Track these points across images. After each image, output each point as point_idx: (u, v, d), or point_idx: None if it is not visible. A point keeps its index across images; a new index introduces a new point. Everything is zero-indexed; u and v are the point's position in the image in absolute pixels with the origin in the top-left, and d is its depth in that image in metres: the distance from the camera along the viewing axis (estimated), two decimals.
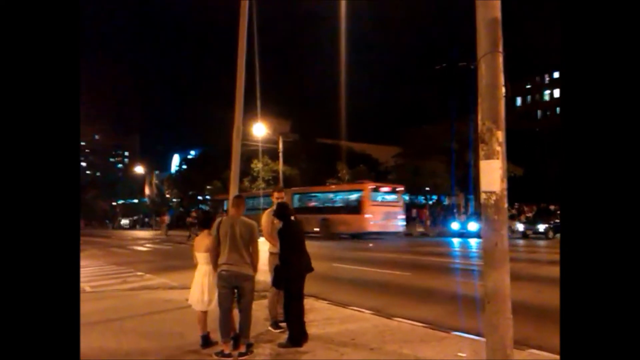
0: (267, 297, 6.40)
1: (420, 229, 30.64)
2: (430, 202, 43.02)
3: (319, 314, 7.09)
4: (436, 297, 8.82)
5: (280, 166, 37.27)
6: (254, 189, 38.80)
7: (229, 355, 5.01)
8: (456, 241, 22.62)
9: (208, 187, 50.37)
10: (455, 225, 27.09)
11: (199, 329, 5.45)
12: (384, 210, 25.88)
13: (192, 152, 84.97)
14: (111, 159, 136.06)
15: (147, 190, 75.82)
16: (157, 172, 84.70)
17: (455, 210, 33.44)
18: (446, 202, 44.31)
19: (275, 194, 6.57)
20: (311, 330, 5.76)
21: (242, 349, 5.09)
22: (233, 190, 7.93)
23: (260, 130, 36.01)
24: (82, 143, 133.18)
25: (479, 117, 3.87)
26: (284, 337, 5.56)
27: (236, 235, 5.10)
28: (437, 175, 36.95)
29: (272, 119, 39.33)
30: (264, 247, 6.00)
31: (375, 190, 26.34)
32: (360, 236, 25.25)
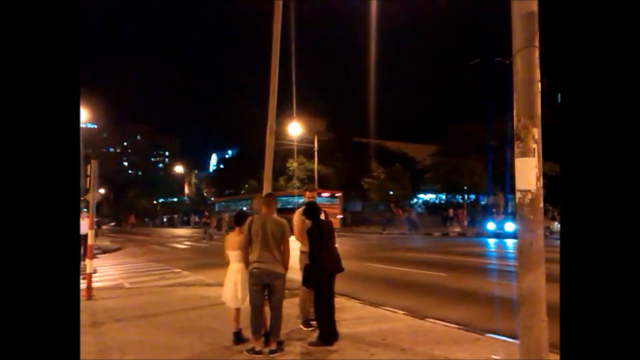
0: (298, 295, 6.43)
1: (458, 229, 30.10)
2: (468, 202, 42.18)
3: (351, 313, 7.07)
4: (471, 298, 8.63)
5: (315, 165, 37.39)
6: (289, 188, 39.09)
7: (260, 352, 5.06)
8: (493, 242, 22.09)
9: (245, 186, 51.08)
10: (491, 226, 26.46)
11: (232, 326, 5.53)
12: (325, 210, 27.44)
13: (230, 152, 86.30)
14: (152, 159, 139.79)
15: (186, 189, 77.66)
16: (196, 171, 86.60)
17: (493, 210, 32.65)
18: (485, 201, 43.37)
19: (307, 194, 6.59)
20: (342, 329, 5.75)
21: (273, 346, 5.12)
22: (266, 189, 8.01)
23: (295, 129, 36.19)
24: (125, 143, 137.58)
25: (515, 113, 3.77)
26: (315, 335, 5.57)
27: (267, 233, 5.14)
28: (476, 174, 36.20)
29: (307, 118, 39.47)
30: (295, 246, 6.02)
31: (317, 195, 27.59)
32: None
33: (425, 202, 48.12)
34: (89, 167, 9.68)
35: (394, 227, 33.14)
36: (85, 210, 15.04)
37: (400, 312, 7.24)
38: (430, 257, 15.50)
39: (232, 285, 5.49)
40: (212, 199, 58.89)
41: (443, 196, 46.97)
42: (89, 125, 33.18)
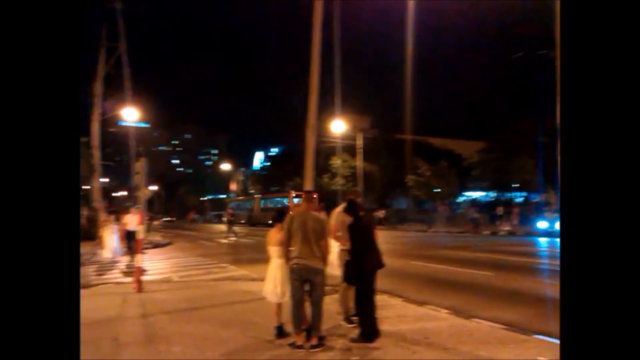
0: (339, 291, 6.45)
1: (507, 228, 29.21)
2: (518, 200, 40.84)
3: (393, 310, 7.02)
4: (518, 298, 8.37)
5: (359, 163, 37.28)
6: (333, 185, 39.18)
7: (301, 347, 5.12)
8: (544, 241, 21.30)
9: (290, 183, 51.61)
10: (542, 224, 25.49)
11: (274, 320, 5.63)
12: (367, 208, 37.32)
13: (275, 149, 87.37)
14: (201, 157, 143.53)
15: (233, 186, 79.32)
16: (242, 169, 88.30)
17: (544, 208, 31.45)
18: (536, 199, 41.86)
19: (350, 196, 6.65)
20: (383, 326, 5.72)
21: (314, 342, 5.17)
22: (307, 186, 8.07)
23: (339, 126, 36.21)
24: (175, 142, 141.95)
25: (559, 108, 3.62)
26: (356, 332, 5.57)
27: (308, 229, 5.19)
28: (526, 171, 34.98)
29: (351, 116, 39.39)
30: (336, 242, 6.05)
31: (297, 196, 37.59)
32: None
33: (473, 200, 46.99)
34: (138, 164, 10.06)
35: (439, 224, 32.57)
36: (136, 206, 15.68)
37: (444, 311, 7.12)
38: (476, 256, 15.14)
39: (272, 280, 5.58)
40: (227, 198, 61.01)
41: (492, 194, 45.69)
42: (141, 125, 34.38)
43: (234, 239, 25.76)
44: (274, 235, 5.62)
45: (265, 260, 5.86)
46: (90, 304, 8.12)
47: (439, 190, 40.55)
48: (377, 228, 6.05)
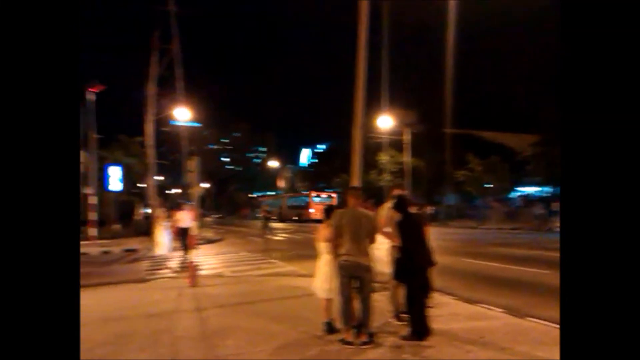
0: (389, 288, 6.40)
1: None
2: None
3: (444, 309, 6.89)
4: None
5: (406, 158, 36.79)
6: (380, 181, 38.89)
7: (351, 343, 5.12)
8: None
9: (336, 179, 51.68)
10: None
11: (323, 316, 5.66)
12: (322, 207, 40.19)
13: (322, 146, 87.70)
14: (249, 155, 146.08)
15: (280, 183, 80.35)
16: (289, 165, 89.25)
17: None
18: None
19: (395, 190, 6.57)
20: (435, 325, 5.63)
21: (364, 338, 5.16)
22: (355, 183, 8.05)
23: (386, 122, 35.89)
24: (226, 140, 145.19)
25: None
26: (407, 329, 5.51)
27: (356, 226, 5.18)
28: None
29: (398, 111, 38.90)
30: (385, 239, 6.00)
31: (317, 196, 48.04)
32: (307, 221, 42.42)
33: (526, 196, 45.32)
34: (191, 162, 10.37)
35: (492, 221, 31.67)
36: (188, 203, 16.17)
37: (498, 309, 6.92)
38: (530, 253, 14.62)
39: (322, 276, 5.61)
40: (260, 197, 64.29)
41: (547, 189, 43.90)
42: (193, 124, 35.40)
43: (270, 236, 26.07)
44: (323, 231, 5.64)
45: (312, 256, 5.90)
46: (146, 298, 8.48)
47: (491, 185, 39.37)
48: (429, 225, 5.95)
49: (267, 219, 27.85)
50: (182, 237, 13.72)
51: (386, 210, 6.16)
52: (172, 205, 18.61)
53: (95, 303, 8.02)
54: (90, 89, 22.59)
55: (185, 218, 13.90)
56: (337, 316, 5.47)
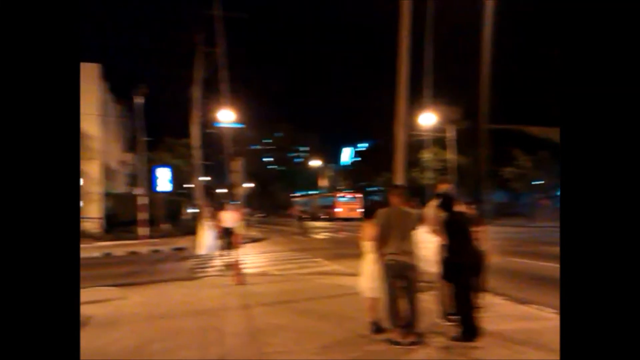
0: (437, 288, 6.28)
1: None
2: None
3: (494, 309, 6.70)
4: None
5: (450, 155, 36.09)
6: (423, 179, 38.32)
7: (399, 343, 5.07)
8: None
9: (378, 178, 51.33)
10: None
11: (369, 315, 5.62)
12: (347, 205, 48.95)
13: (363, 144, 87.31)
14: (291, 154, 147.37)
15: (322, 182, 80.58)
16: (331, 164, 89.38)
17: None
18: None
19: (441, 186, 6.44)
20: (484, 325, 5.48)
21: (412, 338, 5.10)
22: (398, 181, 7.96)
23: (428, 119, 35.34)
24: (268, 140, 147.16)
25: None
26: (455, 330, 5.40)
27: (400, 224, 5.12)
28: None
29: (442, 107, 38.18)
30: (432, 238, 5.90)
31: (342, 196, 52.45)
32: (334, 219, 46.45)
33: None
34: (236, 163, 10.57)
35: (541, 219, 30.60)
36: (233, 202, 16.45)
37: (549, 310, 6.68)
38: None
39: (367, 275, 5.57)
40: (292, 196, 67.46)
41: None
42: (237, 125, 36.12)
43: (305, 234, 26.09)
44: (368, 230, 5.61)
45: (356, 255, 5.87)
46: (194, 296, 8.69)
47: (542, 182, 38.00)
48: (482, 224, 5.78)
49: (301, 219, 27.98)
50: (226, 236, 13.92)
51: (432, 208, 6.05)
52: (217, 205, 18.96)
53: (146, 300, 8.30)
54: (138, 94, 23.41)
55: (229, 218, 14.07)
56: (383, 316, 5.42)
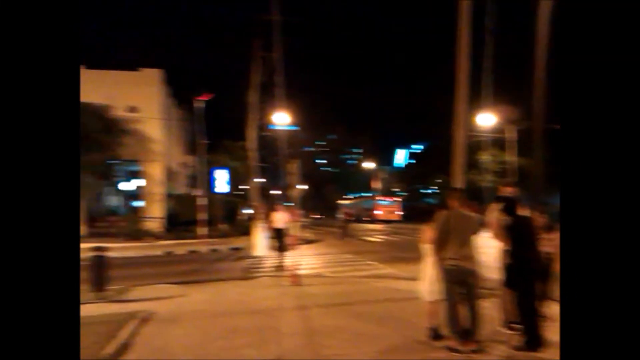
0: (499, 295, 6.08)
1: None
2: None
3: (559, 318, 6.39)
4: None
5: (511, 157, 34.81)
6: (482, 181, 37.19)
7: (458, 351, 4.94)
8: None
9: (435, 180, 50.38)
10: None
11: (428, 321, 5.51)
12: (387, 208, 52.31)
13: (418, 146, 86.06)
14: (344, 156, 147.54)
15: (375, 185, 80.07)
16: (385, 167, 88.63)
17: None
18: None
19: (504, 189, 6.22)
20: (549, 335, 5.24)
21: (473, 346, 4.95)
22: (457, 184, 7.77)
23: (487, 119, 34.29)
24: (322, 142, 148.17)
25: None
26: (518, 339, 5.20)
27: (460, 228, 4.99)
28: None
29: (502, 107, 36.91)
30: (493, 243, 5.72)
31: (382, 199, 55.62)
32: (374, 222, 48.15)
33: None
34: (292, 165, 10.72)
35: None
36: (286, 204, 16.62)
37: None
38: None
39: (427, 279, 5.47)
40: (340, 200, 69.12)
41: None
42: (291, 128, 36.55)
43: (347, 237, 25.82)
44: (428, 233, 5.51)
45: (412, 259, 5.79)
46: (251, 295, 8.87)
47: None
48: (553, 230, 5.54)
49: (347, 221, 27.85)
50: (278, 238, 13.94)
51: (494, 212, 5.86)
52: (269, 206, 19.20)
53: (206, 298, 8.57)
54: (199, 98, 24.24)
55: (281, 219, 14.05)
56: (443, 322, 5.31)
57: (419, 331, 5.64)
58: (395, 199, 56.97)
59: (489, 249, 5.58)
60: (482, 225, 5.41)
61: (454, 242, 5.06)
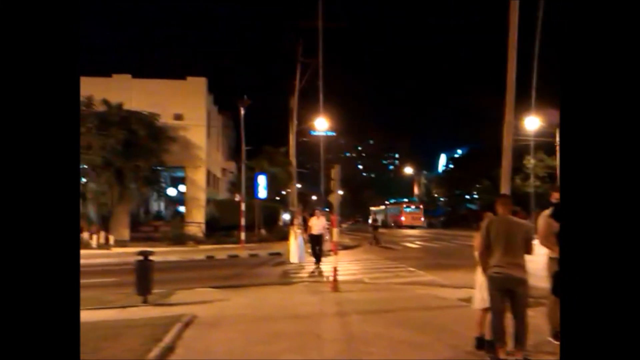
0: (546, 304, 5.85)
1: None
2: None
3: None
4: None
5: (558, 162, 33.61)
6: (527, 187, 36.09)
7: None
8: None
9: (477, 186, 49.26)
10: None
11: (476, 330, 5.35)
12: (411, 215, 56.83)
13: (459, 151, 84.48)
14: (384, 161, 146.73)
15: (415, 190, 79.07)
16: (425, 172, 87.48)
17: None
18: None
19: (554, 194, 6.00)
20: None
21: (519, 356, 4.77)
22: (504, 189, 7.56)
23: (533, 123, 33.29)
24: (359, 148, 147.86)
25: None
26: None
27: (509, 236, 4.82)
28: None
29: (548, 110, 35.73)
30: (542, 251, 5.51)
31: (407, 206, 60.37)
32: (400, 227, 52.32)
33: None
34: (333, 171, 10.76)
35: None
36: (323, 209, 16.51)
37: None
38: None
39: (477, 286, 5.33)
40: (372, 207, 70.41)
41: None
42: (329, 133, 36.66)
43: (377, 244, 25.40)
44: (478, 239, 5.36)
45: (454, 266, 5.66)
46: (291, 300, 8.90)
47: None
48: None
49: (374, 227, 27.55)
50: (314, 244, 13.60)
51: (544, 218, 5.65)
52: (307, 212, 19.16)
53: (247, 302, 8.65)
54: (240, 104, 24.67)
55: (317, 225, 13.73)
56: (489, 330, 5.14)
57: (463, 340, 5.50)
58: (419, 206, 62.48)
59: (537, 257, 5.38)
60: (532, 232, 5.21)
61: (499, 248, 4.89)
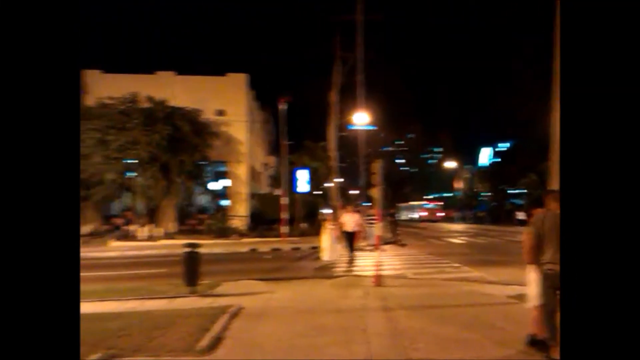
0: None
1: None
2: None
3: None
4: None
5: None
6: None
7: None
8: None
9: (523, 180, 47.78)
10: None
11: (530, 328, 5.20)
12: (430, 211, 72.96)
13: (503, 145, 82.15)
14: (424, 155, 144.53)
15: (457, 184, 77.58)
16: (467, 166, 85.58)
17: None
18: None
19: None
20: None
21: None
22: (554, 183, 7.29)
23: None
24: (400, 142, 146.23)
25: None
26: None
27: (559, 231, 4.65)
28: None
29: None
30: None
31: (427, 203, 78.47)
32: (421, 220, 64.46)
33: None
34: (375, 165, 10.69)
35: None
36: (363, 204, 16.36)
37: None
38: None
39: (531, 283, 5.19)
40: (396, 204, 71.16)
41: None
42: (370, 127, 36.41)
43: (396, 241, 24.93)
44: (526, 236, 5.21)
45: (499, 262, 5.54)
46: (333, 294, 8.92)
47: None
48: None
49: (393, 223, 27.07)
50: (347, 241, 13.07)
51: None
52: (341, 207, 19.02)
53: (291, 295, 8.74)
54: (281, 100, 24.89)
55: (350, 221, 13.13)
56: (542, 329, 4.99)
57: (512, 338, 5.36)
58: (438, 203, 76.93)
59: None
60: None
61: (550, 245, 4.74)
